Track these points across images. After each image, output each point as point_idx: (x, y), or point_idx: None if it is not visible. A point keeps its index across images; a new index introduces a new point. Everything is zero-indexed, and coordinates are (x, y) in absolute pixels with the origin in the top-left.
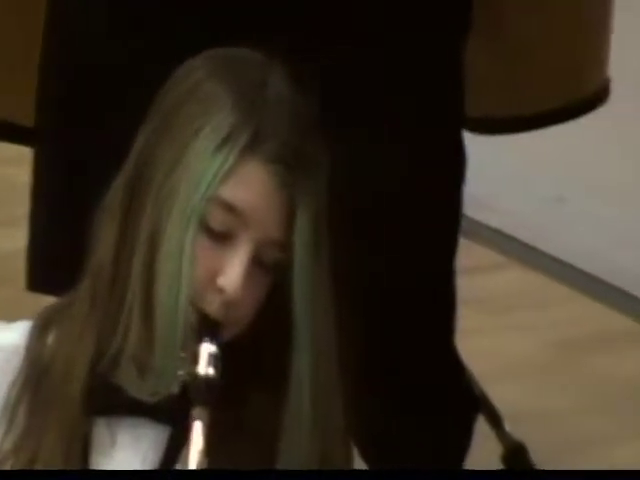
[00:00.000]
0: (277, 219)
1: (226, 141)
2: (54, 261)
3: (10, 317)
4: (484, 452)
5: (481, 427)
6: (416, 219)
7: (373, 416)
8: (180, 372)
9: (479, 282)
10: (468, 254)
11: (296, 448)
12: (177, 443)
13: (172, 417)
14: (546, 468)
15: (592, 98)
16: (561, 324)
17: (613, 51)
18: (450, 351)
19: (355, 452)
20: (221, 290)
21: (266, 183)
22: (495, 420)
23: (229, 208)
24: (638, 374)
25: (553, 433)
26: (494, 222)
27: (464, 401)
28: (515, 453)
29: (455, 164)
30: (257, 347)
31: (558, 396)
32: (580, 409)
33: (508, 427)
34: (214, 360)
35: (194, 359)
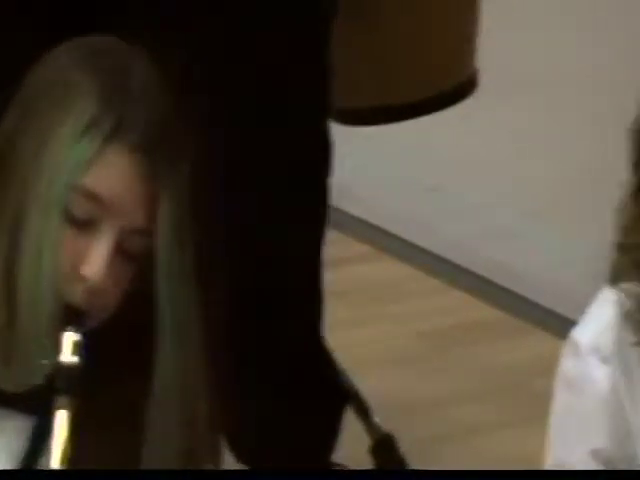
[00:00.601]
0: (140, 207)
1: (89, 129)
2: None
3: None
4: (353, 444)
5: (350, 419)
6: (282, 210)
7: (241, 407)
8: (44, 361)
9: (348, 273)
10: (336, 246)
11: (162, 437)
12: (42, 433)
13: (38, 407)
14: (417, 459)
15: (461, 88)
16: (432, 315)
17: (481, 43)
18: (317, 343)
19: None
20: (84, 278)
21: (129, 171)
22: (363, 411)
23: (92, 196)
24: (509, 363)
25: (425, 423)
26: (361, 213)
27: (332, 392)
28: (382, 444)
29: (321, 155)
30: (123, 335)
31: (430, 386)
32: (453, 399)
33: (379, 418)
34: (78, 348)
35: (58, 348)
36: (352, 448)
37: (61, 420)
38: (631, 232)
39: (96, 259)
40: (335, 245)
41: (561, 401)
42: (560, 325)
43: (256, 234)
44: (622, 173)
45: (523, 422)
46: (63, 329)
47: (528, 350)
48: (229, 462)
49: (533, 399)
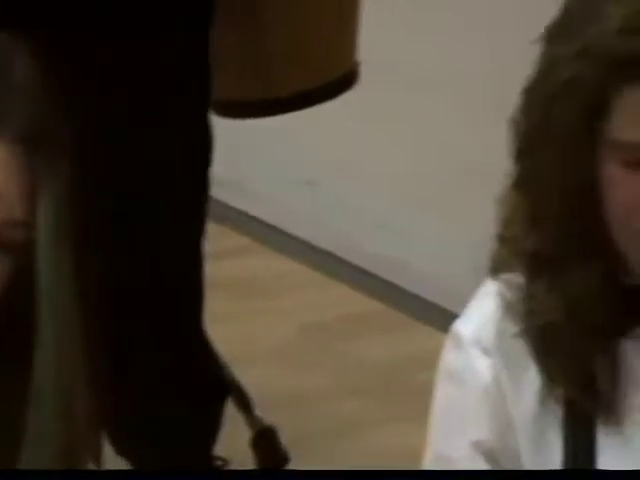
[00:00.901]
0: (20, 200)
1: None
2: None
3: None
4: (234, 437)
5: (231, 412)
6: (161, 202)
7: (121, 400)
8: None
9: (229, 266)
10: (217, 238)
11: (40, 427)
12: None
13: None
14: (298, 453)
15: (342, 81)
16: (313, 308)
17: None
18: (198, 335)
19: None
20: None
21: (9, 164)
22: (244, 405)
23: None
24: (392, 357)
25: (307, 417)
26: (243, 205)
27: (213, 385)
28: (263, 438)
29: (201, 147)
30: (3, 328)
31: (312, 380)
32: (335, 392)
33: (261, 412)
34: None
35: None
36: (233, 441)
37: None
38: (511, 223)
39: None
40: (216, 238)
41: (442, 393)
42: (442, 318)
43: (135, 227)
44: (505, 164)
45: (406, 416)
46: None
47: (411, 343)
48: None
49: (416, 393)
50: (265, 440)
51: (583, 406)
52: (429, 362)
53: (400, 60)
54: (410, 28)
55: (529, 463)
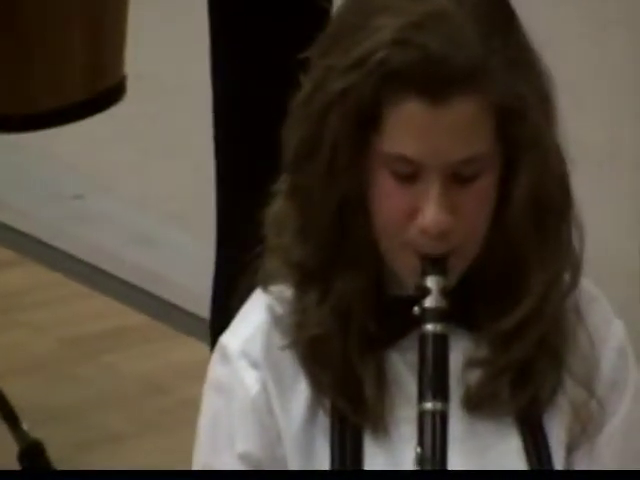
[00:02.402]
0: None
1: None
2: None
3: None
4: (1, 451)
5: None
6: None
7: None
8: None
9: None
10: None
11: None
12: None
13: None
14: (65, 466)
15: (109, 94)
16: (73, 321)
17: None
18: None
19: None
20: None
21: None
22: (11, 419)
23: None
24: (156, 368)
25: (72, 430)
26: (6, 219)
27: None
28: (31, 451)
29: None
30: None
31: (75, 393)
32: (99, 404)
33: (27, 426)
34: None
35: None
36: (1, 456)
37: None
38: (282, 234)
39: None
40: None
41: (210, 406)
42: (207, 330)
43: None
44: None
45: (171, 428)
46: None
47: (174, 355)
48: None
49: (180, 405)
50: (33, 453)
51: (351, 417)
52: (193, 374)
53: (162, 72)
54: (168, 40)
55: None
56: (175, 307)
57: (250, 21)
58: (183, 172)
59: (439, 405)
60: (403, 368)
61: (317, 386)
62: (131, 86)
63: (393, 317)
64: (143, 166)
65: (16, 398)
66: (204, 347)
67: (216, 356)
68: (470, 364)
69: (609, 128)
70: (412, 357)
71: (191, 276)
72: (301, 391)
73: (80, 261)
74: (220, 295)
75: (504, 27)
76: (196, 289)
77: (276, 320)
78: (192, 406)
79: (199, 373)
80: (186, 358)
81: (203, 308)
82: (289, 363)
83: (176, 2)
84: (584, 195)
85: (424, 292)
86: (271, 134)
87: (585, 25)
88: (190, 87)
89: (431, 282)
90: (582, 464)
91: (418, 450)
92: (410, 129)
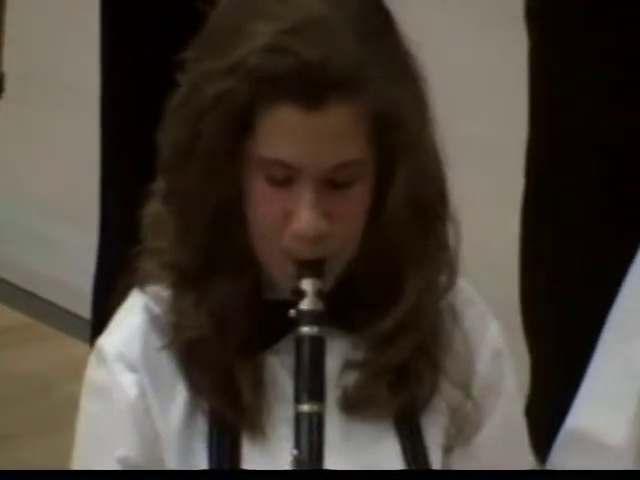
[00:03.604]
0: None
1: None
2: None
3: None
4: None
5: None
6: None
7: None
8: None
9: None
10: None
11: None
12: None
13: None
14: None
15: None
16: None
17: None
18: None
19: None
20: None
21: None
22: None
23: None
24: (37, 369)
25: None
26: None
27: None
28: None
29: None
30: None
31: None
32: None
33: None
34: None
35: None
36: None
37: None
38: (158, 236)
39: None
40: None
41: (88, 409)
42: (87, 330)
43: None
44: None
45: (56, 428)
46: None
47: (56, 356)
48: None
49: (62, 405)
50: None
51: (228, 418)
52: (75, 374)
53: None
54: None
55: None
56: (56, 306)
57: (135, 23)
58: (69, 170)
59: (315, 407)
60: (280, 371)
61: (194, 389)
62: (19, 86)
63: (270, 320)
64: (24, 163)
65: None
66: (87, 347)
67: (93, 359)
68: (347, 366)
69: (485, 128)
70: (289, 360)
71: (72, 275)
72: (179, 393)
73: None
74: (101, 294)
75: (380, 32)
76: (77, 288)
77: (153, 321)
78: (76, 405)
79: (81, 374)
80: (69, 359)
81: (84, 307)
82: (167, 365)
83: (65, 3)
84: (462, 195)
85: (300, 295)
86: (152, 135)
87: (462, 26)
88: (79, 87)
89: (306, 285)
90: (459, 465)
91: (294, 452)
92: (284, 134)
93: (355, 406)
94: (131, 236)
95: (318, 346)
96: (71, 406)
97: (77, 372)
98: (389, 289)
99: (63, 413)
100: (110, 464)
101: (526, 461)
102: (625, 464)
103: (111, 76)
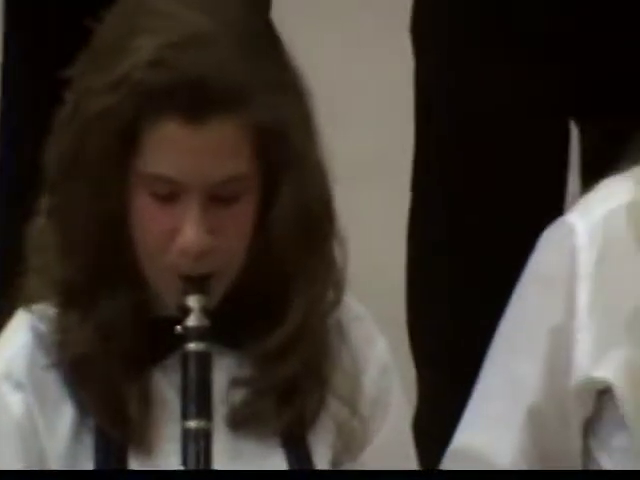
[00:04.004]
0: None
1: None
2: None
3: None
4: None
5: None
6: None
7: None
8: None
9: None
10: None
11: None
12: None
13: None
14: None
15: None
16: None
17: None
18: None
19: None
20: None
21: None
22: None
23: None
24: None
25: None
26: None
27: None
28: None
29: None
30: None
31: None
32: None
33: None
34: None
35: None
36: None
37: None
38: (43, 252)
39: None
40: None
41: None
42: None
43: None
44: None
45: None
46: None
47: None
48: None
49: None
50: None
51: (114, 435)
52: None
53: None
54: None
55: None
56: None
57: (24, 39)
58: None
59: (202, 423)
60: (167, 387)
61: (81, 406)
62: None
63: (157, 337)
64: None
65: None
66: None
67: None
68: (234, 383)
69: (372, 143)
70: (176, 377)
71: None
72: (66, 411)
73: None
74: None
75: (265, 49)
76: None
77: (40, 339)
78: None
79: None
80: None
81: None
82: (54, 383)
83: None
84: (349, 210)
85: (186, 311)
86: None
87: (346, 43)
88: None
89: (192, 301)
90: None
91: (182, 468)
92: (168, 149)
93: (242, 423)
94: (14, 254)
95: (204, 362)
96: None
97: None
98: (275, 306)
99: None
100: None
101: None
102: None
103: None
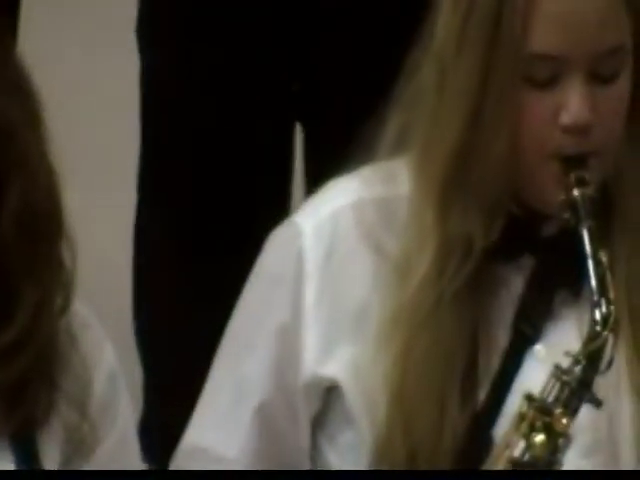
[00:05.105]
0: None
1: None
2: None
3: None
4: None
5: None
6: None
7: None
8: None
9: None
10: None
11: None
12: None
13: None
14: None
15: None
16: None
17: None
18: None
19: None
20: None
21: None
22: None
23: None
24: None
25: None
26: None
27: None
28: None
29: None
30: None
31: None
32: None
33: None
34: None
35: None
36: None
37: None
38: None
39: None
40: None
41: None
42: None
43: None
44: None
45: None
46: None
47: None
48: None
49: None
50: None
51: None
52: None
53: None
54: None
55: None
56: None
57: None
58: None
59: None
60: None
61: None
62: None
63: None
64: None
65: None
66: None
67: None
68: None
69: (101, 143)
70: None
71: None
72: None
73: None
74: None
75: None
76: None
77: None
78: None
79: None
80: None
81: None
82: None
83: None
84: (78, 211)
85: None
86: None
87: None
88: None
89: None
90: None
91: None
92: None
93: None
94: None
95: None
96: None
97: None
98: (4, 308)
99: None
100: None
101: None
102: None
103: None
